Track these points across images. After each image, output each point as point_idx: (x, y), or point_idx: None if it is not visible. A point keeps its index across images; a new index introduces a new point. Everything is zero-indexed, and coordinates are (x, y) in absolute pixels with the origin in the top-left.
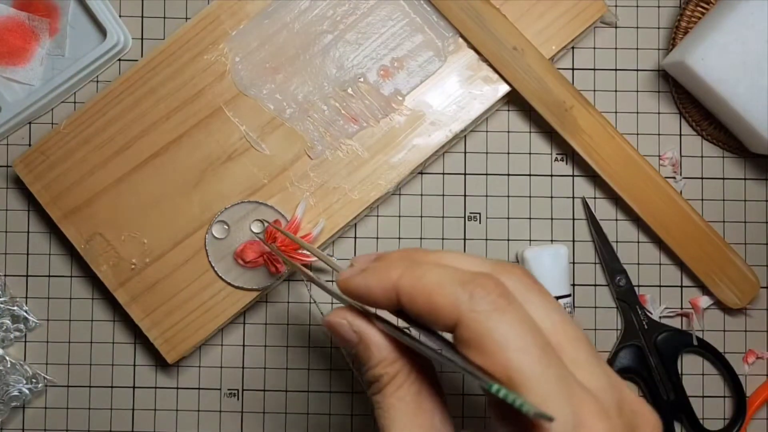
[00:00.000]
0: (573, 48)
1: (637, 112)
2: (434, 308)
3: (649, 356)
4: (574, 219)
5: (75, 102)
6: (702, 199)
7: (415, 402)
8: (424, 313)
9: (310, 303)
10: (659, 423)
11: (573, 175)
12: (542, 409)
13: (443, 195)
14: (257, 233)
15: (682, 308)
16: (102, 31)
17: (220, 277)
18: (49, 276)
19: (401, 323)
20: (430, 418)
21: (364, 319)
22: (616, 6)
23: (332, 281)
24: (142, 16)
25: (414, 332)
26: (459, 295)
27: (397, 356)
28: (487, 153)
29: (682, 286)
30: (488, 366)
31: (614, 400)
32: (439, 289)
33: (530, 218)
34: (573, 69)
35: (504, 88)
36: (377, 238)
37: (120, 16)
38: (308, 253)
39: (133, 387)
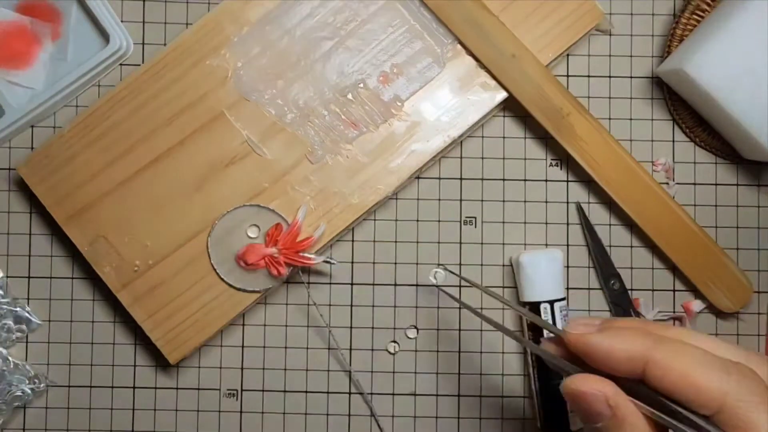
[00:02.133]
0: (568, 55)
1: (631, 119)
2: (695, 389)
3: None
4: (568, 223)
5: (77, 106)
6: (695, 205)
7: None
8: (677, 391)
9: (308, 305)
10: None
11: (567, 180)
12: None
13: (439, 199)
14: (253, 238)
15: (675, 312)
16: (104, 35)
17: (222, 280)
18: (50, 277)
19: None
20: None
21: (621, 393)
22: (610, 14)
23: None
24: (144, 21)
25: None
26: (725, 381)
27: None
28: (482, 158)
29: (674, 290)
30: None
31: None
32: (702, 371)
33: (525, 223)
34: (568, 76)
35: (502, 95)
36: (374, 241)
37: (122, 21)
38: (309, 256)
39: (134, 387)
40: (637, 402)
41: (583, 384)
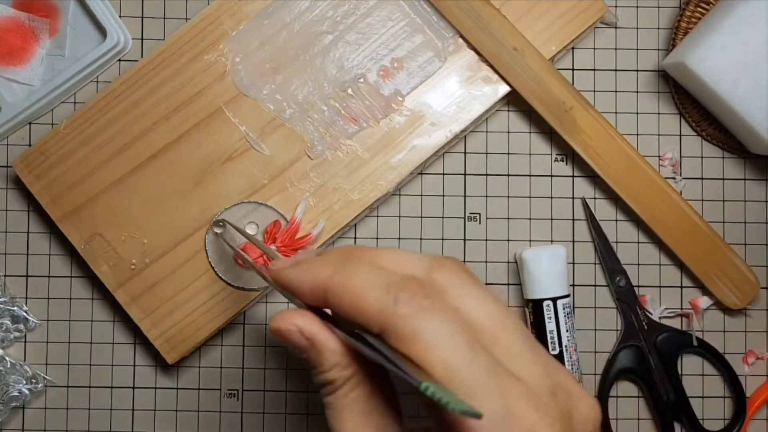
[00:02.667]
0: (573, 48)
1: (637, 113)
2: (360, 312)
3: (649, 357)
4: (573, 219)
5: (75, 102)
6: (702, 200)
7: (367, 403)
8: (350, 316)
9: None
10: (596, 405)
11: (573, 176)
12: (470, 403)
13: (443, 195)
14: (252, 235)
15: (682, 309)
16: (102, 31)
17: (220, 278)
18: (48, 276)
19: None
20: (383, 418)
21: (315, 321)
22: (616, 6)
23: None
24: (142, 17)
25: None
26: (384, 300)
27: (351, 360)
28: (486, 153)
29: (682, 287)
30: (417, 366)
31: (548, 386)
32: (365, 293)
33: (530, 219)
34: (573, 69)
35: (504, 89)
36: (377, 238)
37: (120, 16)
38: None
39: (133, 387)
40: (335, 329)
41: (279, 321)
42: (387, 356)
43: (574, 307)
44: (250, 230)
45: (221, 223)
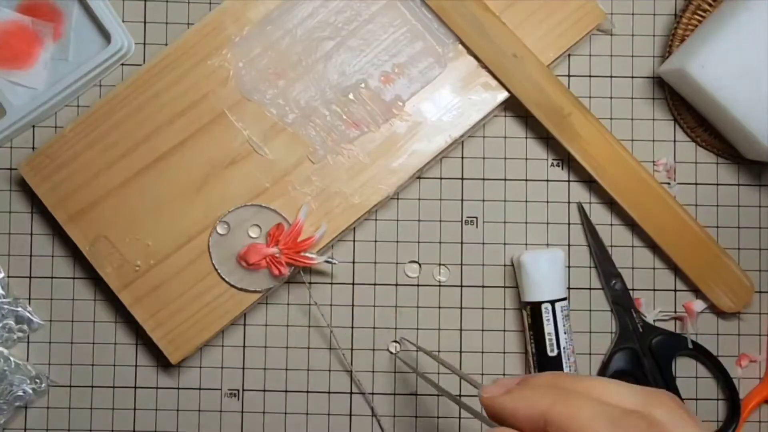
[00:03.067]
0: (569, 55)
1: (632, 119)
2: None
3: (643, 359)
4: (569, 223)
5: (78, 106)
6: (696, 205)
7: None
8: None
9: (310, 305)
10: None
11: (569, 180)
12: None
13: (441, 199)
14: (254, 238)
15: (676, 312)
16: (106, 35)
17: (224, 279)
18: (52, 277)
19: None
20: None
21: None
22: (611, 14)
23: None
24: (145, 21)
25: None
26: None
27: None
28: (484, 158)
29: (676, 290)
30: None
31: None
32: (591, 427)
33: (526, 222)
34: (569, 76)
35: (503, 95)
36: (375, 241)
37: (123, 21)
38: (310, 256)
39: (135, 387)
40: None
41: None
42: None
43: (570, 310)
44: (253, 233)
45: (226, 225)
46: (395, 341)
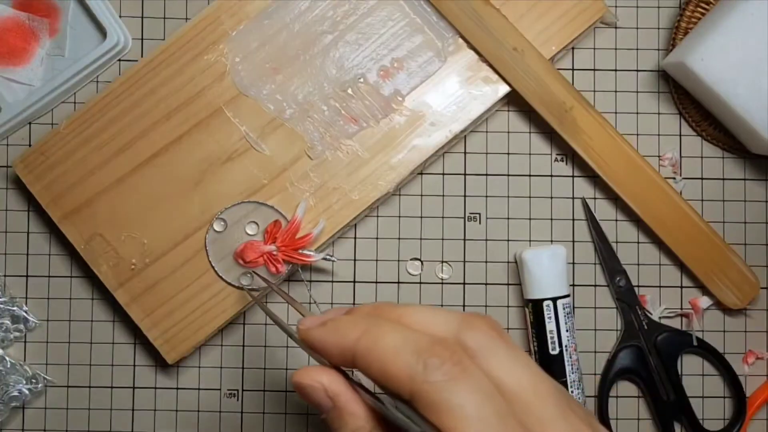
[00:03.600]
0: (573, 48)
1: (637, 113)
2: (388, 378)
3: (649, 357)
4: (573, 219)
5: (75, 102)
6: (702, 200)
7: None
8: (379, 381)
9: (310, 303)
10: None
11: (573, 176)
12: None
13: (443, 195)
14: (252, 235)
15: (682, 309)
16: (102, 31)
17: (221, 277)
18: (48, 276)
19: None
20: None
21: (340, 380)
22: (615, 6)
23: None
24: (142, 17)
25: (386, 400)
26: (413, 366)
27: (372, 422)
28: (486, 153)
29: (681, 287)
30: None
31: None
32: (393, 358)
33: (530, 219)
34: (573, 69)
35: (504, 89)
36: (377, 238)
37: (120, 16)
38: (308, 253)
39: (133, 387)
40: (360, 390)
41: (303, 376)
42: (414, 422)
43: (574, 307)
44: (251, 230)
45: (222, 222)
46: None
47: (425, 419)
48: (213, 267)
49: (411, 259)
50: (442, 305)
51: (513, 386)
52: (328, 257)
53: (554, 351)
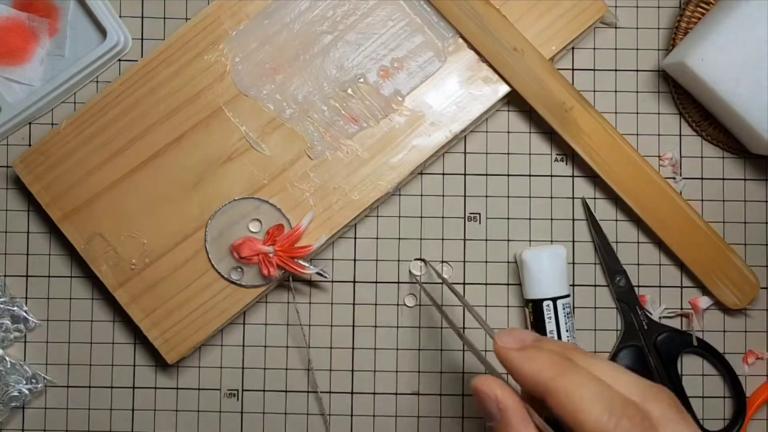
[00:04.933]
0: (573, 48)
1: (637, 113)
2: (577, 423)
3: (649, 357)
4: (573, 219)
5: (75, 102)
6: (702, 200)
7: None
8: (566, 421)
9: (310, 304)
10: None
11: (573, 176)
12: None
13: (443, 195)
14: (255, 232)
15: (682, 309)
16: (102, 31)
17: (222, 276)
18: (48, 276)
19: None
20: None
21: (515, 397)
22: (615, 6)
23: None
24: (142, 17)
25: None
26: (605, 422)
27: None
28: (487, 153)
29: (682, 287)
30: None
31: None
32: (587, 408)
33: (530, 219)
34: (573, 69)
35: (504, 89)
36: (377, 238)
37: (120, 16)
38: (303, 264)
39: (133, 387)
40: (533, 412)
41: (481, 383)
42: None
43: (574, 307)
44: (254, 228)
45: (422, 262)
46: (420, 259)
47: None
48: (213, 266)
49: (414, 260)
50: (442, 305)
51: None
52: (321, 272)
53: None
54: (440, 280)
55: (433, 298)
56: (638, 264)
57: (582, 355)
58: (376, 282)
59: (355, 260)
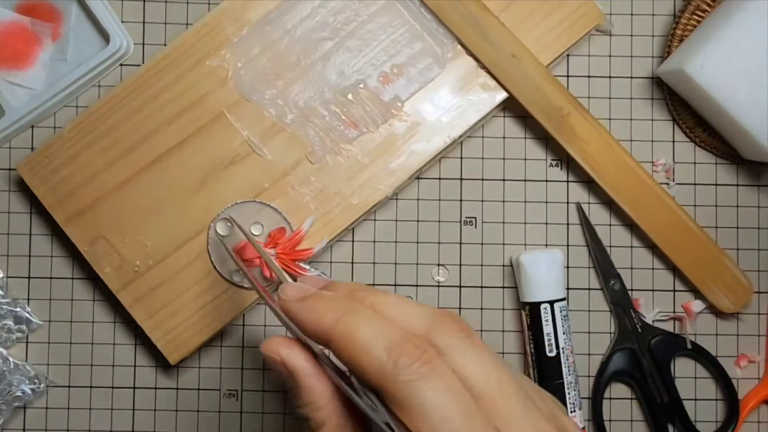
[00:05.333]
0: (568, 55)
1: (631, 119)
2: (359, 368)
3: (642, 359)
4: (568, 224)
5: (77, 106)
6: (695, 205)
7: None
8: (350, 368)
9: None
10: None
11: (568, 181)
12: None
13: (439, 200)
14: (257, 235)
15: (675, 312)
16: (104, 35)
17: (224, 278)
18: (51, 278)
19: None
20: None
21: (301, 355)
22: (610, 14)
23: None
24: (144, 22)
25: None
26: (384, 362)
27: (329, 400)
28: (482, 158)
29: (675, 291)
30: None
31: None
32: (365, 351)
33: (525, 223)
34: (568, 76)
35: (502, 95)
36: (374, 241)
37: (122, 21)
38: (304, 267)
39: (134, 387)
40: (327, 368)
41: (266, 347)
42: (380, 413)
43: (568, 311)
44: (256, 230)
45: (228, 223)
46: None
47: (392, 413)
48: (216, 268)
49: (408, 263)
50: (438, 307)
51: (480, 385)
52: (321, 276)
53: (551, 353)
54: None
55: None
56: (632, 268)
57: (367, 293)
58: (373, 285)
59: (353, 263)
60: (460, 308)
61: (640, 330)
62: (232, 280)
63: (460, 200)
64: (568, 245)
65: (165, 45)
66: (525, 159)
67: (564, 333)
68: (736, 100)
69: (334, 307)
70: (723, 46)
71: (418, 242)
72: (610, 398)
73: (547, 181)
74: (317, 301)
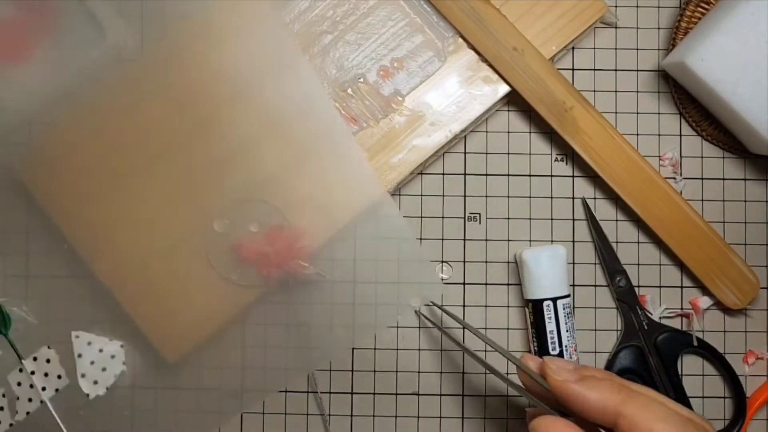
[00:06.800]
0: (573, 48)
1: (637, 113)
2: None
3: (649, 357)
4: (574, 219)
5: (74, 102)
6: (702, 200)
7: None
8: None
9: (310, 304)
10: None
11: (573, 176)
12: None
13: (443, 195)
14: (255, 233)
15: (682, 309)
16: (102, 31)
17: (222, 276)
18: (49, 276)
19: None
20: None
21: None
22: (616, 6)
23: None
24: (142, 16)
25: None
26: None
27: None
28: (487, 153)
29: (682, 287)
30: None
31: None
32: (662, 427)
33: (530, 218)
34: (573, 69)
35: (504, 89)
36: (376, 238)
37: (119, 16)
38: (303, 264)
39: (133, 387)
40: None
41: (546, 428)
42: None
43: (574, 307)
44: (253, 228)
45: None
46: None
47: None
48: (214, 266)
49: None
50: (442, 305)
51: None
52: (321, 273)
53: (554, 351)
54: (461, 325)
55: (453, 338)
56: (638, 264)
57: (627, 382)
58: (376, 282)
59: (354, 260)
60: (464, 306)
61: (646, 327)
62: (230, 278)
63: (464, 196)
64: (573, 241)
65: (163, 41)
66: (530, 154)
67: (567, 330)
68: (737, 92)
69: (616, 388)
70: (724, 39)
71: (421, 238)
72: None
73: (552, 176)
74: (598, 382)
